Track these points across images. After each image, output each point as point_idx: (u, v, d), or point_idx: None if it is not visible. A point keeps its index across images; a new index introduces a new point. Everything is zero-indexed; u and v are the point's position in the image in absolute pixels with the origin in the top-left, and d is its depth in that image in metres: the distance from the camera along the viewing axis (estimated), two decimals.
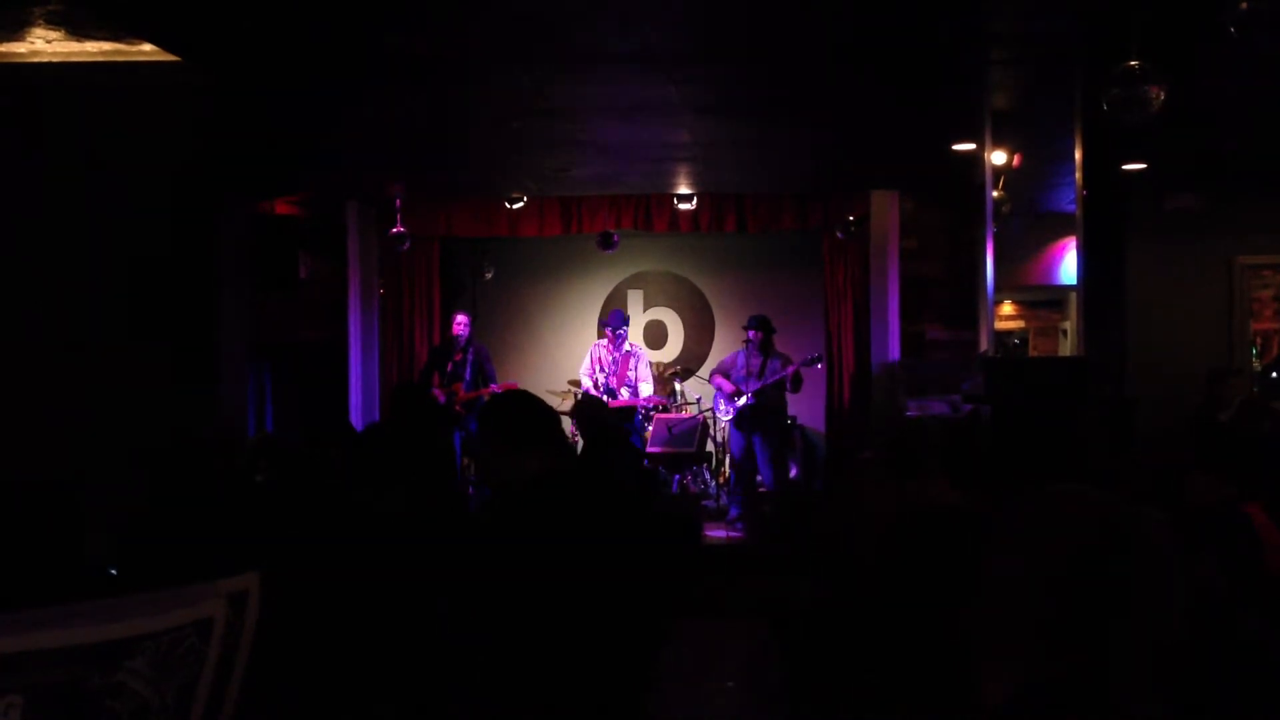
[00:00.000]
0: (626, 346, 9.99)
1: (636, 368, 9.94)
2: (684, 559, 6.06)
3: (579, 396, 9.47)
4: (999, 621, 1.31)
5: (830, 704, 3.72)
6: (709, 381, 10.14)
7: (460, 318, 10.04)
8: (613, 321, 10.06)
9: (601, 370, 9.93)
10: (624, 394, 9.77)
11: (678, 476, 10.10)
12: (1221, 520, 3.17)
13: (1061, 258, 10.56)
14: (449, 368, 9.97)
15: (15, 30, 5.53)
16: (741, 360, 9.58)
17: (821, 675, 3.99)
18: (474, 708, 2.56)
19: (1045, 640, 1.26)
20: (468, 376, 9.85)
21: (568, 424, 9.67)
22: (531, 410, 3.10)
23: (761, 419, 9.44)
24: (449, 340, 10.16)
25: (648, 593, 2.99)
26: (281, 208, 9.72)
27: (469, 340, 9.98)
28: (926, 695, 2.80)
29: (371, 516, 3.21)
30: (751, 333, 9.51)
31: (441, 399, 9.77)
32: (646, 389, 9.95)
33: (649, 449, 9.61)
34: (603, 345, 10.08)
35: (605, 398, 9.44)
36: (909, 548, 3.08)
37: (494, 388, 9.75)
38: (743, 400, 9.44)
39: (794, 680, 4.15)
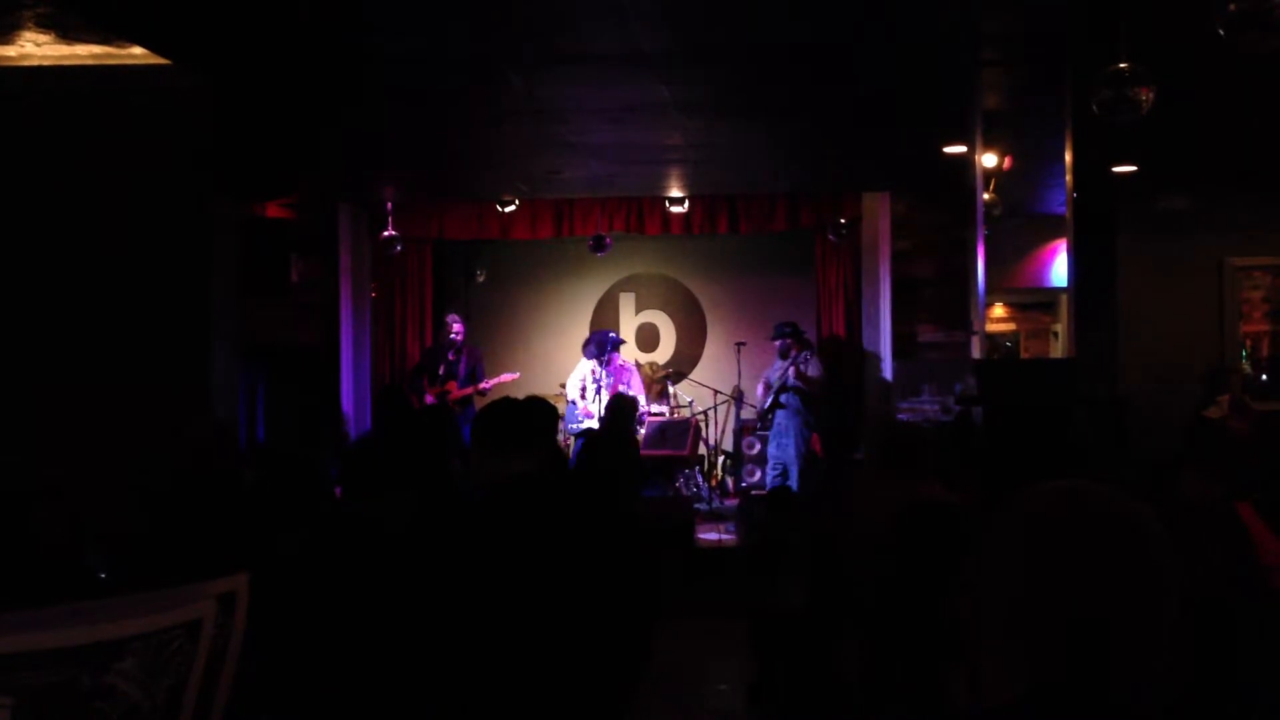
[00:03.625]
0: (620, 362, 10.22)
1: (630, 382, 10.14)
2: (666, 566, 6.07)
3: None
4: (1000, 619, 1.30)
5: (826, 702, 3.72)
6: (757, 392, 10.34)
7: (456, 326, 10.16)
8: (601, 343, 10.23)
9: (595, 382, 10.06)
10: None
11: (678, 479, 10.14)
12: (1214, 518, 3.18)
13: (1052, 260, 10.58)
14: (440, 370, 10.08)
15: (4, 33, 5.52)
16: (778, 366, 9.90)
17: (816, 675, 3.99)
18: (454, 714, 2.55)
19: (1047, 637, 1.25)
20: (461, 374, 9.98)
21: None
22: (520, 415, 3.13)
23: (782, 424, 9.72)
24: (440, 343, 10.28)
25: (619, 601, 2.99)
26: (273, 211, 9.69)
27: (463, 343, 10.08)
28: (926, 693, 2.80)
29: (359, 521, 3.21)
30: (779, 341, 9.87)
31: (431, 400, 9.87)
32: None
33: (642, 451, 9.65)
34: (593, 364, 10.23)
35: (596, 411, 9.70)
36: (905, 547, 3.08)
37: (485, 384, 9.94)
38: (767, 405, 9.80)
39: (790, 680, 4.15)
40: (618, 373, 10.19)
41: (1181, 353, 9.27)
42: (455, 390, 9.97)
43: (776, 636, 4.75)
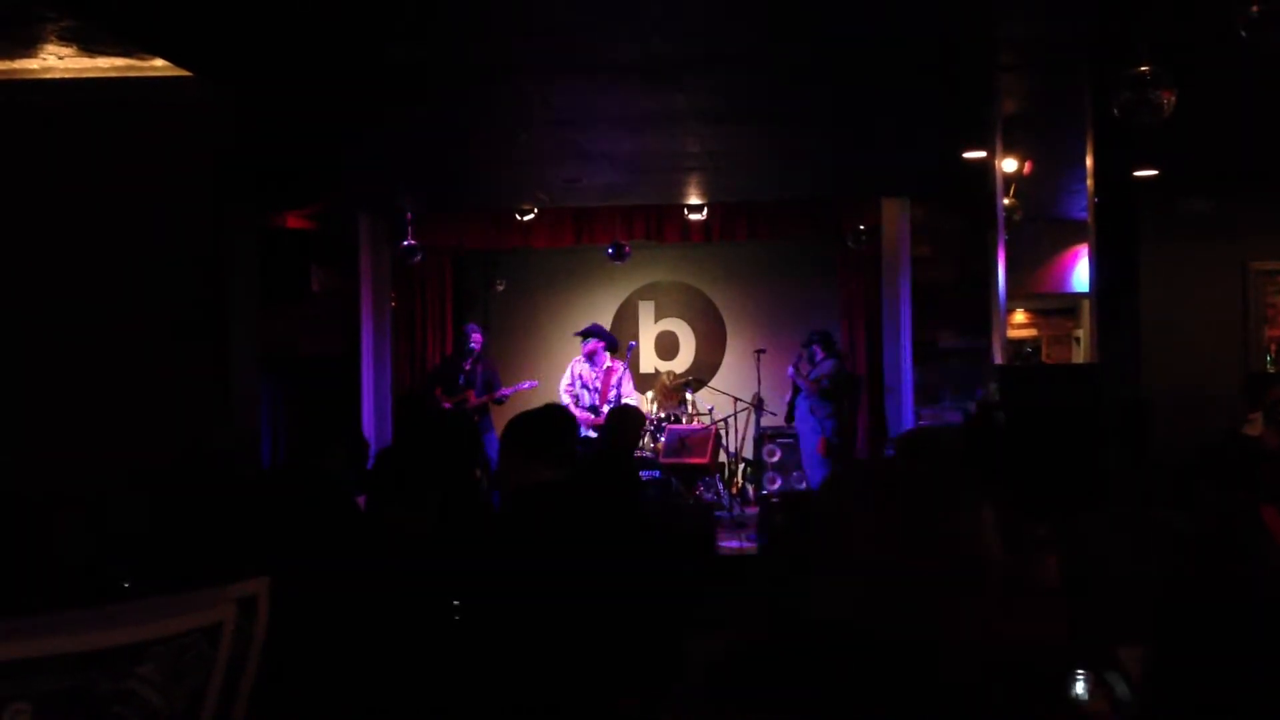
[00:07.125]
0: (606, 364, 10.16)
1: (620, 384, 10.11)
2: (695, 570, 6.05)
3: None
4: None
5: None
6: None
7: (475, 335, 10.22)
8: (595, 335, 10.23)
9: (585, 387, 10.07)
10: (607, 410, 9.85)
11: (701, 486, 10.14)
12: (1239, 523, 3.15)
13: (1074, 265, 10.50)
14: (460, 380, 10.13)
15: (27, 47, 5.56)
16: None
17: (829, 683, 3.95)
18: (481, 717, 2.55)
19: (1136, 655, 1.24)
20: (479, 384, 10.04)
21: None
22: (542, 425, 3.16)
23: (799, 429, 9.89)
24: (458, 353, 10.33)
25: (655, 603, 2.99)
26: (293, 221, 9.73)
27: (480, 353, 10.16)
28: (949, 700, 2.78)
29: (383, 526, 3.21)
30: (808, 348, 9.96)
31: (449, 408, 9.94)
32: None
33: (661, 460, 9.64)
34: (582, 361, 10.21)
35: (589, 415, 9.67)
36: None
37: (502, 392, 10.00)
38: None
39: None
40: (606, 375, 10.14)
41: (1205, 358, 9.20)
42: (473, 399, 10.02)
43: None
